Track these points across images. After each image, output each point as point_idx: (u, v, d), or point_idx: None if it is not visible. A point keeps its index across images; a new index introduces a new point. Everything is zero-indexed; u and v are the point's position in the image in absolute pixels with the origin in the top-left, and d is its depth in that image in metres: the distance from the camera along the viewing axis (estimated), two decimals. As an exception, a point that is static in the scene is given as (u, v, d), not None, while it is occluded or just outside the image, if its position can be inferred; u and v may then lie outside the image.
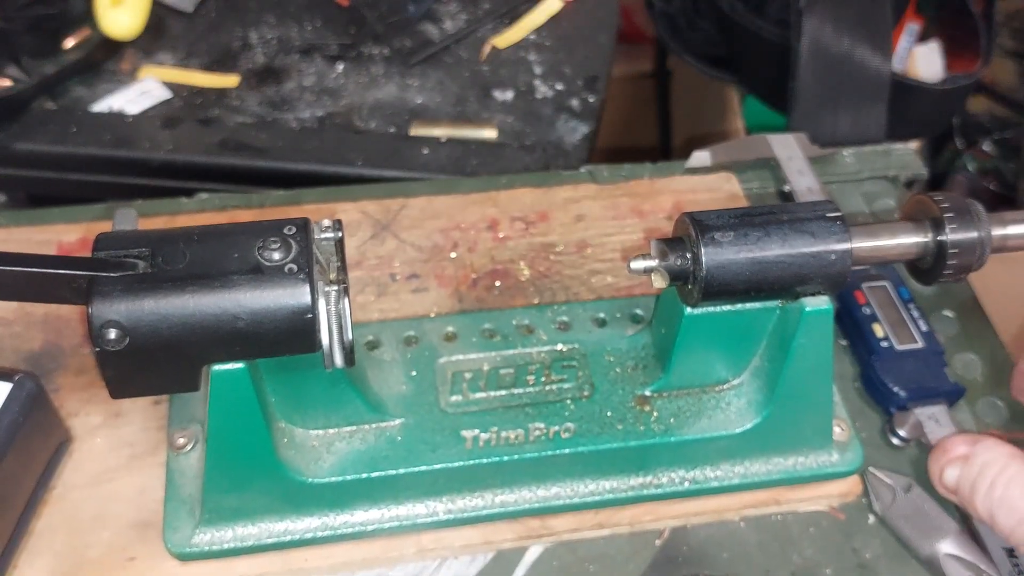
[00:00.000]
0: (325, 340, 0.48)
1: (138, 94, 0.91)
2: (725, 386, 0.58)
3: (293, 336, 0.46)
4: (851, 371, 0.66)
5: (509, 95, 0.93)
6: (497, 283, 0.69)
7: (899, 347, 0.64)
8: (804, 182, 0.74)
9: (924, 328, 0.65)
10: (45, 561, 0.54)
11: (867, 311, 0.65)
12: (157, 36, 0.97)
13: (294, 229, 0.48)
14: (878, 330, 0.64)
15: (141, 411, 0.60)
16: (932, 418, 0.62)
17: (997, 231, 0.54)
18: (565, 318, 0.62)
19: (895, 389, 0.62)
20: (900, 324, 0.65)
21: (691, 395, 0.58)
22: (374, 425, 0.55)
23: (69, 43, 0.93)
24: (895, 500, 0.58)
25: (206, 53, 0.97)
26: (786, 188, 0.75)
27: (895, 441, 0.62)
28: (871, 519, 0.59)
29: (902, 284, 0.67)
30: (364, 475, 0.54)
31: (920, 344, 0.64)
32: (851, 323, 0.66)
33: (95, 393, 0.61)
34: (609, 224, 0.73)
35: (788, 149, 0.77)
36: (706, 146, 0.79)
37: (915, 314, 0.65)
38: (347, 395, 0.54)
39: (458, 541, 0.57)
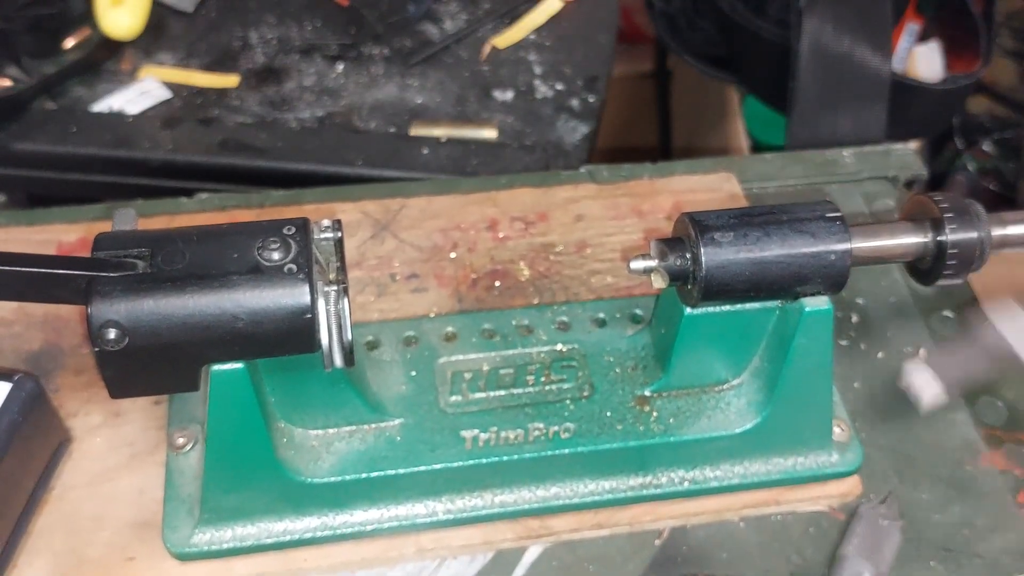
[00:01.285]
0: (324, 340, 0.48)
1: (138, 94, 0.91)
2: (725, 386, 0.58)
3: (292, 336, 0.46)
4: (850, 372, 0.66)
5: (509, 95, 0.93)
6: (497, 283, 0.69)
7: None
8: None
9: None
10: (44, 561, 0.54)
11: None
12: (157, 36, 0.97)
13: (293, 229, 0.48)
14: None
15: (141, 411, 0.60)
16: None
17: (997, 231, 0.54)
18: (565, 318, 0.62)
19: None
20: None
21: (691, 395, 0.58)
22: (373, 425, 0.55)
23: (69, 43, 0.93)
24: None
25: (206, 53, 0.97)
26: None
27: None
28: (871, 519, 0.59)
29: None
30: (363, 475, 0.54)
31: None
32: None
33: (95, 393, 0.61)
34: (609, 224, 0.73)
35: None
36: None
37: None
38: (346, 395, 0.54)
39: (457, 541, 0.57)
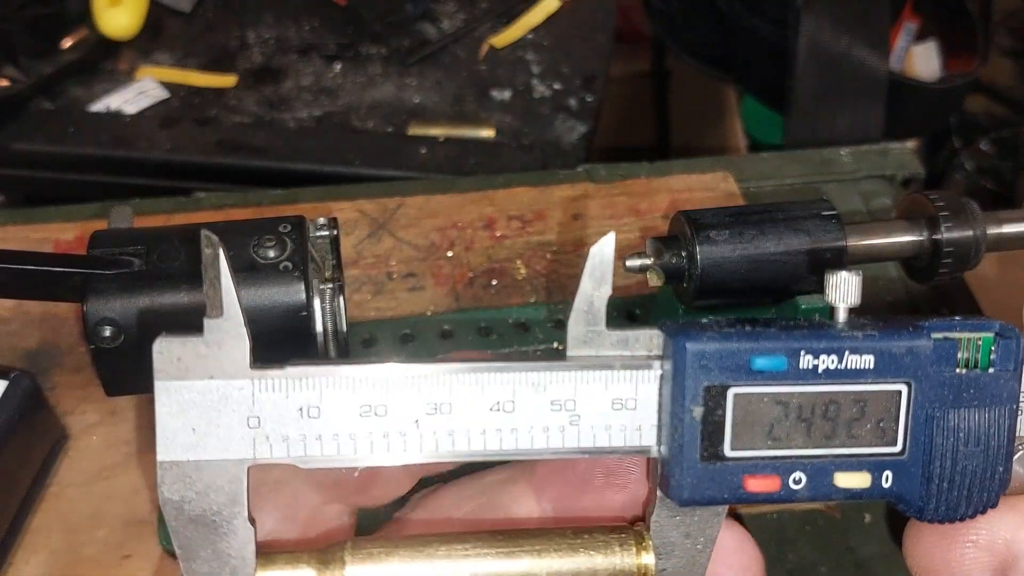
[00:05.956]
0: (320, 338, 0.48)
1: (136, 94, 0.92)
2: (721, 384, 0.58)
3: (288, 334, 0.46)
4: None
5: (507, 95, 0.93)
6: (494, 282, 0.69)
7: None
8: None
9: None
10: (41, 559, 0.54)
11: None
12: (155, 36, 0.98)
13: (289, 227, 0.48)
14: None
15: (137, 409, 0.60)
16: None
17: (992, 229, 0.54)
18: (561, 316, 0.62)
19: None
20: None
21: (687, 393, 0.58)
22: (370, 423, 0.55)
23: (67, 43, 0.93)
24: None
25: (204, 53, 0.97)
26: None
27: None
28: (867, 518, 0.59)
29: None
30: (359, 473, 0.54)
31: None
32: None
33: (91, 391, 0.61)
34: (606, 223, 0.73)
35: None
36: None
37: None
38: (343, 393, 0.54)
39: (454, 539, 0.56)
